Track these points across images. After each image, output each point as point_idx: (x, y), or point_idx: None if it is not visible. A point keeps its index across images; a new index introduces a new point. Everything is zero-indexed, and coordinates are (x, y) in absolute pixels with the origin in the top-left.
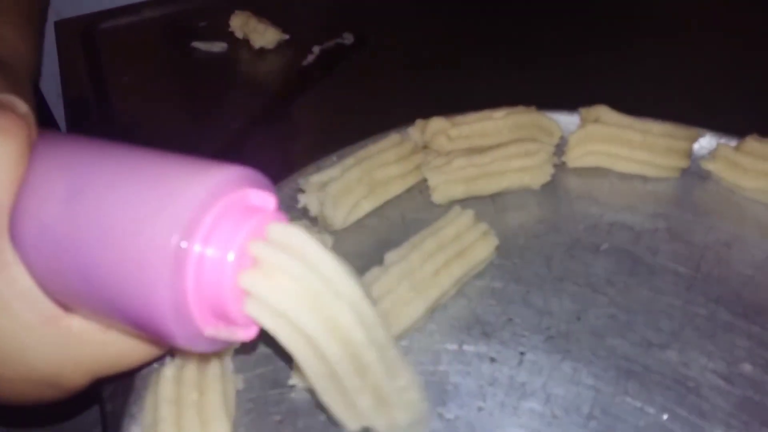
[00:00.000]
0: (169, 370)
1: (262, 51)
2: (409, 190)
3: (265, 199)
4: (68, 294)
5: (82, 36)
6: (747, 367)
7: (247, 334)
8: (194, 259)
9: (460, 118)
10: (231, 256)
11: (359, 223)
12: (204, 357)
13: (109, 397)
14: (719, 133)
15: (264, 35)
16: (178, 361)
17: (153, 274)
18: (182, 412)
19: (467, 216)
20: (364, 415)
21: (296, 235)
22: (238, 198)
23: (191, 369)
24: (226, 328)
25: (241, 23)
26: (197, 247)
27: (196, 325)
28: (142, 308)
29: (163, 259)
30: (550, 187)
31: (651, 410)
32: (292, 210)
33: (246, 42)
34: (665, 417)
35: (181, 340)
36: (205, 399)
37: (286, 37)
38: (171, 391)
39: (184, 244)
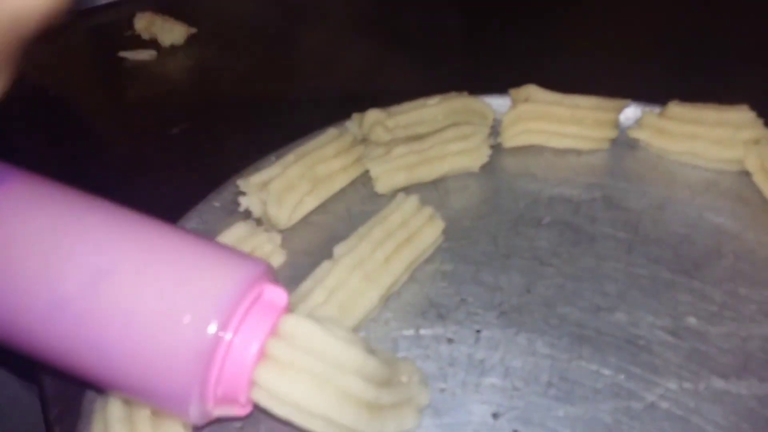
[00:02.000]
0: None
1: (174, 48)
2: (352, 184)
3: (278, 293)
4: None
5: None
6: (691, 321)
7: (244, 411)
8: (223, 350)
9: (395, 108)
10: (254, 349)
11: (305, 220)
12: None
13: (56, 419)
14: (643, 102)
15: (172, 32)
16: None
17: (184, 360)
18: (135, 429)
19: (412, 202)
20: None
21: (304, 327)
22: (259, 291)
23: None
24: (227, 406)
25: (146, 24)
26: (228, 338)
27: (209, 406)
28: (163, 389)
29: (197, 348)
30: (488, 169)
31: (607, 372)
32: (234, 214)
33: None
34: (621, 377)
35: (193, 419)
36: (159, 414)
37: (194, 30)
38: (120, 409)
39: (221, 334)
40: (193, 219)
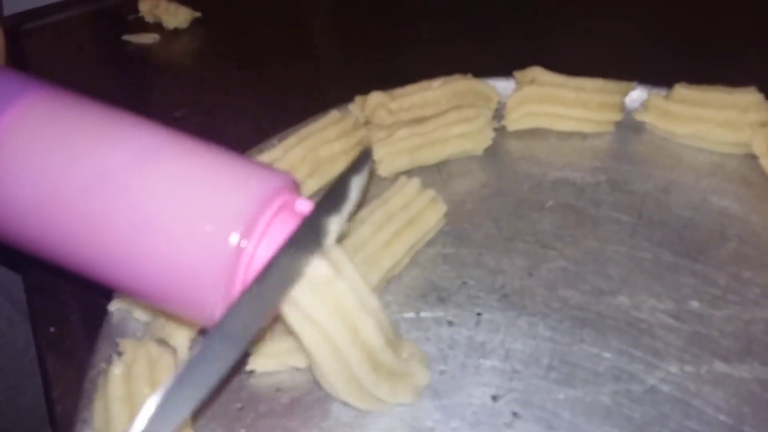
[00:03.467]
0: (118, 368)
1: (177, 32)
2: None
3: (303, 205)
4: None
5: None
6: (694, 304)
7: None
8: (245, 260)
9: (398, 91)
10: None
11: None
12: (155, 351)
13: (59, 398)
14: (649, 85)
15: (176, 16)
16: (126, 358)
17: (207, 269)
18: (135, 408)
19: (414, 184)
20: (384, 399)
21: (344, 259)
22: (286, 202)
23: (141, 365)
24: None
25: (150, 7)
26: (250, 248)
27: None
28: (186, 296)
29: (219, 257)
30: (492, 152)
31: (608, 355)
32: None
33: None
34: (623, 360)
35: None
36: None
37: (198, 14)
38: (121, 389)
39: (243, 244)
40: None
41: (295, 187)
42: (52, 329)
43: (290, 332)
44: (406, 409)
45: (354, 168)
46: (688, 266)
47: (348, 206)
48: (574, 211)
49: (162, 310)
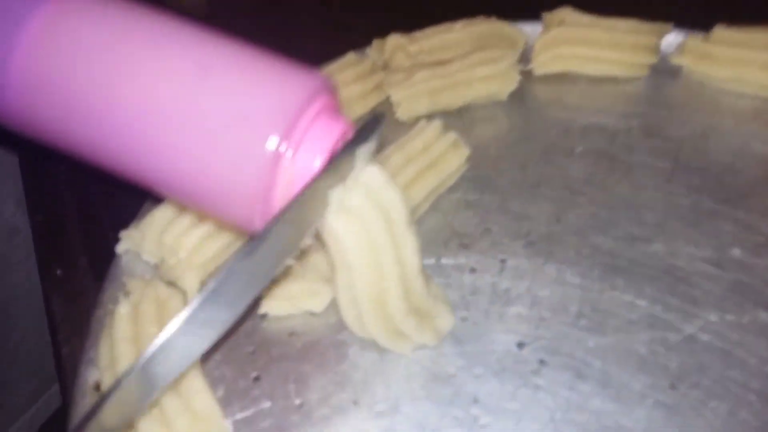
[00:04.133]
0: (124, 308)
1: None
2: (372, 112)
3: (341, 113)
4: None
5: None
6: (736, 252)
7: None
8: (287, 164)
9: (418, 34)
10: (317, 163)
11: None
12: (163, 292)
13: (64, 340)
14: (686, 28)
15: None
16: (133, 298)
17: (247, 173)
18: (141, 348)
19: (435, 126)
20: (408, 336)
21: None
22: (325, 105)
23: (149, 305)
24: None
25: None
26: (291, 152)
27: (271, 213)
28: (228, 196)
29: (258, 162)
30: (518, 97)
31: (642, 303)
32: None
33: None
34: (658, 308)
35: (257, 227)
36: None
37: None
38: (127, 329)
39: (282, 147)
40: None
41: (334, 90)
42: (59, 272)
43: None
44: (426, 354)
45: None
46: (729, 213)
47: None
48: (605, 157)
49: (207, 214)
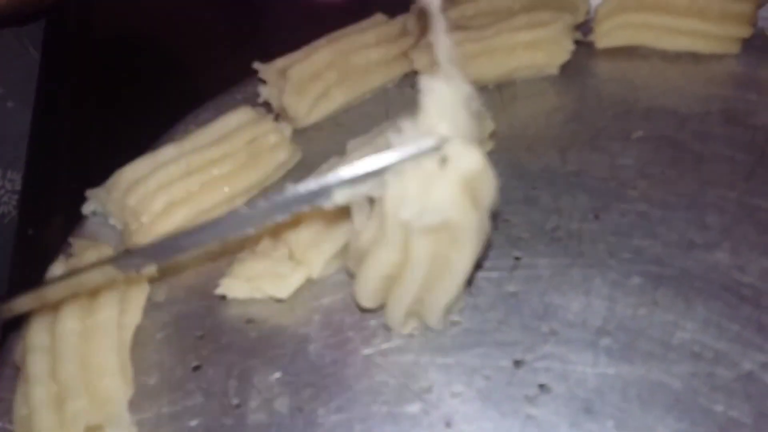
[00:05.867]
0: (58, 267)
1: None
2: (399, 84)
3: None
4: None
5: None
6: None
7: None
8: None
9: None
10: None
11: (334, 119)
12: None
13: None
14: None
15: None
16: (72, 260)
17: None
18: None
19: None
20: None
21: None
22: None
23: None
24: None
25: None
26: None
27: None
28: None
29: None
30: (573, 71)
31: (689, 325)
32: (255, 105)
33: None
34: (710, 334)
35: None
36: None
37: None
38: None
39: None
40: (209, 110)
41: None
42: (30, 231)
43: None
44: (400, 361)
45: None
46: None
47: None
48: (670, 145)
49: None
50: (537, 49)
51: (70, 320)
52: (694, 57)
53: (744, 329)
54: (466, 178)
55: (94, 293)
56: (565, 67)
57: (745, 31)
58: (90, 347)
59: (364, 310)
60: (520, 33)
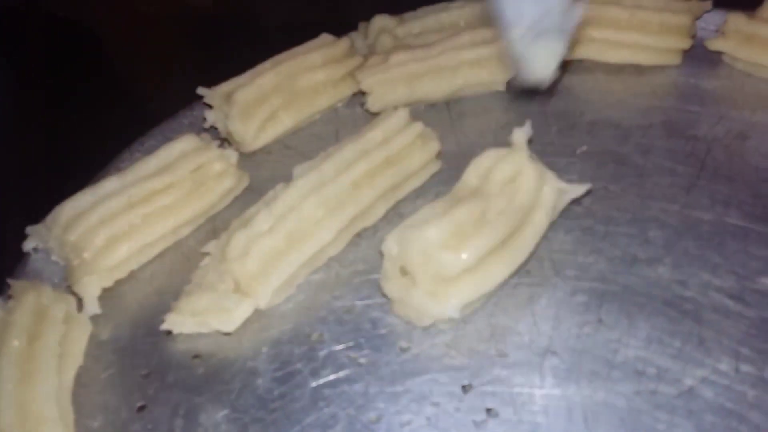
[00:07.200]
0: None
1: None
2: (348, 104)
3: None
4: None
5: None
6: (764, 282)
7: None
8: None
9: (409, 14)
10: None
11: (283, 142)
12: (47, 297)
13: None
14: (727, 7)
15: None
16: (10, 302)
17: None
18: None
19: (400, 115)
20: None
21: None
22: None
23: (23, 313)
24: None
25: None
26: None
27: None
28: None
29: None
30: (519, 87)
31: (632, 342)
32: (202, 131)
33: None
34: (652, 350)
35: None
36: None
37: None
38: None
39: None
40: (155, 136)
41: None
42: None
43: None
44: (350, 395)
45: None
46: (762, 233)
47: None
48: (613, 159)
49: None
50: (481, 67)
51: (6, 367)
52: (637, 69)
53: (685, 345)
54: None
55: (32, 336)
56: (509, 82)
57: (684, 43)
58: (28, 394)
59: (313, 341)
60: (463, 51)
